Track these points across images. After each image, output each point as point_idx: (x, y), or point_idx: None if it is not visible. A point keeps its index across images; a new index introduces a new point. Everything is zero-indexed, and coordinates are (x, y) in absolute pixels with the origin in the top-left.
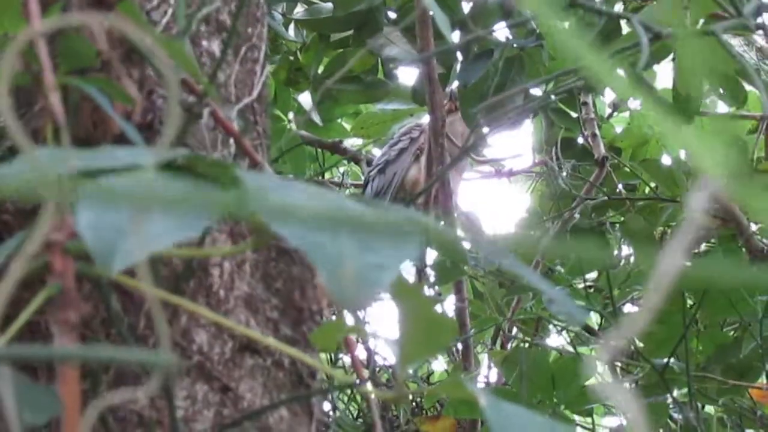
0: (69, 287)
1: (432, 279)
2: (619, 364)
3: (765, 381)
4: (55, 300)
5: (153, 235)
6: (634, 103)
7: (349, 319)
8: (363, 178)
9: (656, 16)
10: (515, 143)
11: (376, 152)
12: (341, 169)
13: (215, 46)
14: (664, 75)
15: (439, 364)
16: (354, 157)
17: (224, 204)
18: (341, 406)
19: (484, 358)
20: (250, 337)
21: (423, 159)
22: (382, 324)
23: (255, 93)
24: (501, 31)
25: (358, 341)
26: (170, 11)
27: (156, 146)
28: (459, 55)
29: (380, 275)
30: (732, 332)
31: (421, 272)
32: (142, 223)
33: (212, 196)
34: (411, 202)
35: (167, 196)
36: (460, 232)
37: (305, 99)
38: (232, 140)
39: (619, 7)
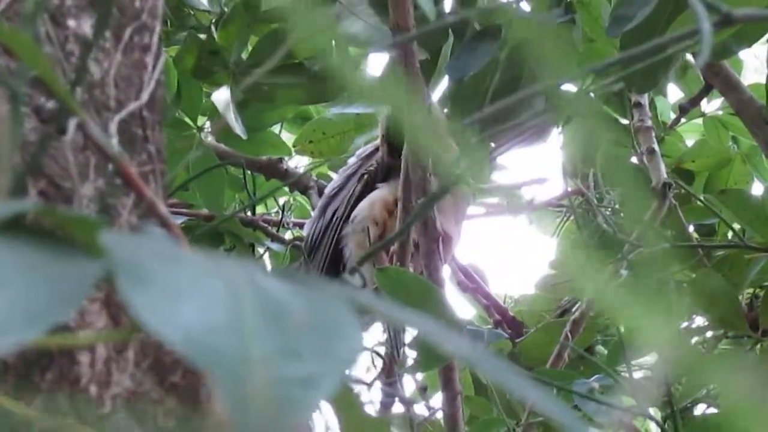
0: None
1: (412, 362)
2: None
3: None
4: None
5: None
6: (710, 106)
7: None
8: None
9: None
10: (537, 163)
11: (335, 176)
12: (281, 201)
13: (88, 27)
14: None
15: None
16: (300, 184)
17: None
18: None
19: None
20: None
21: (383, 188)
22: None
23: (145, 96)
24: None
25: None
26: None
27: None
28: (451, 33)
29: (308, 394)
30: None
31: (393, 355)
32: None
33: (70, 273)
34: (365, 259)
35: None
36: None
37: (222, 97)
38: (110, 166)
39: None
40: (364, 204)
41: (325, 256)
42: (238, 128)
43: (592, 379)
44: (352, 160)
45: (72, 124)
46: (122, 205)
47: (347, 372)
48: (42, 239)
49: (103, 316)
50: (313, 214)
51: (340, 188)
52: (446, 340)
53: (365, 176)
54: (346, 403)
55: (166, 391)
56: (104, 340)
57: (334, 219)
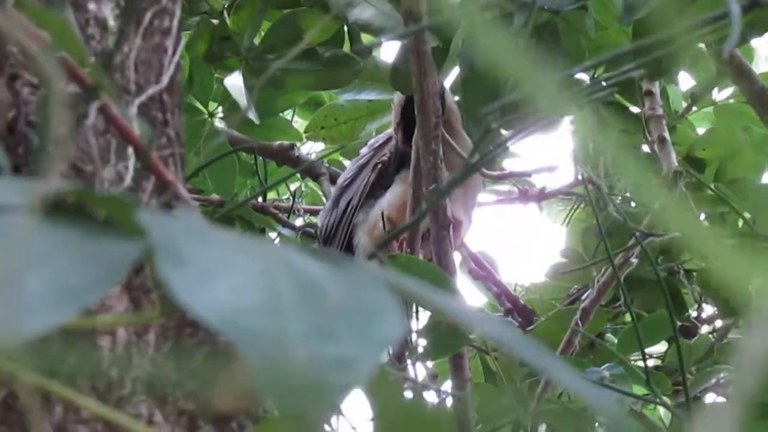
0: None
1: (422, 350)
2: None
3: None
4: None
5: (27, 309)
6: (721, 95)
7: None
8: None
9: None
10: (548, 151)
11: (347, 164)
12: (293, 187)
13: (107, 11)
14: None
15: None
16: (311, 171)
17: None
18: None
19: None
20: None
21: (401, 184)
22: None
23: (165, 80)
24: None
25: None
26: None
27: (29, 169)
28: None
29: (345, 374)
30: None
31: (405, 342)
32: (11, 290)
33: (108, 253)
34: (380, 246)
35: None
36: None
37: (235, 82)
38: (131, 149)
39: None
40: (382, 202)
41: (340, 247)
42: (251, 113)
43: (603, 367)
44: (364, 150)
45: (93, 107)
46: (142, 188)
47: (385, 354)
48: (77, 219)
49: (124, 300)
50: (326, 204)
51: (353, 179)
52: (478, 322)
53: (378, 166)
54: (384, 387)
55: (186, 374)
56: (125, 324)
57: (348, 209)
